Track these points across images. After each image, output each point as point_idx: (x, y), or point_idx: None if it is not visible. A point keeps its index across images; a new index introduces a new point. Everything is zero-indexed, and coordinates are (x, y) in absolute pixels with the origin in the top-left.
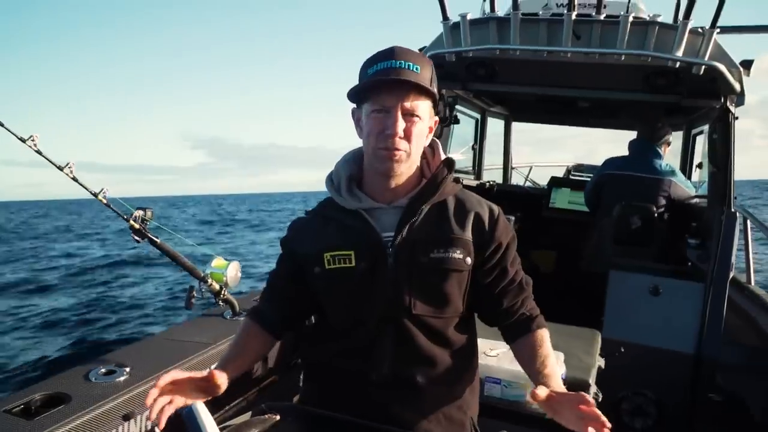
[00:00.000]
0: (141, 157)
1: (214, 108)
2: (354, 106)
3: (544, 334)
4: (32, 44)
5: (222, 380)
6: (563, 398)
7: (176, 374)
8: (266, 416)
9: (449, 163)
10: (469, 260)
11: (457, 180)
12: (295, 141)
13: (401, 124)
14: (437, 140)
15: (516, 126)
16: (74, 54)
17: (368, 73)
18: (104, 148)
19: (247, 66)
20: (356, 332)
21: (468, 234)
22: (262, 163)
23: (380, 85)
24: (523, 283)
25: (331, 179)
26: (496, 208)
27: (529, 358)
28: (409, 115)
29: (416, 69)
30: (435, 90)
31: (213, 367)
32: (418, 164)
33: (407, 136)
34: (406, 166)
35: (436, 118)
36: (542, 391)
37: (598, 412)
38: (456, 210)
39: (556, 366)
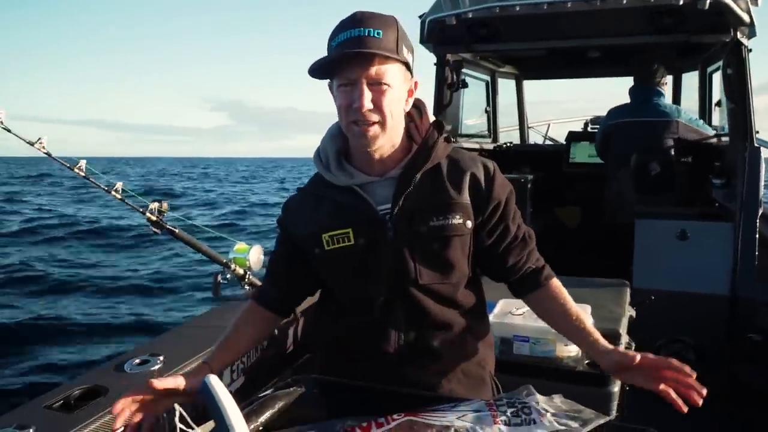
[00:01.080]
0: (161, 117)
1: (236, 71)
2: (329, 80)
3: (558, 285)
4: None
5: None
6: (644, 363)
7: (144, 388)
8: (291, 389)
9: (439, 125)
10: (469, 223)
11: (448, 140)
12: (315, 106)
13: (368, 95)
14: (422, 101)
15: (540, 97)
16: (103, 7)
17: (332, 45)
18: (124, 105)
19: (273, 28)
20: (366, 308)
21: (465, 197)
22: (281, 127)
23: (340, 58)
24: (526, 236)
25: (319, 156)
26: (491, 165)
27: (555, 313)
28: (376, 83)
29: (377, 34)
30: (405, 52)
31: (198, 364)
32: (404, 130)
33: (377, 107)
34: (386, 137)
35: (416, 80)
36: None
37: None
38: (450, 173)
39: (585, 316)
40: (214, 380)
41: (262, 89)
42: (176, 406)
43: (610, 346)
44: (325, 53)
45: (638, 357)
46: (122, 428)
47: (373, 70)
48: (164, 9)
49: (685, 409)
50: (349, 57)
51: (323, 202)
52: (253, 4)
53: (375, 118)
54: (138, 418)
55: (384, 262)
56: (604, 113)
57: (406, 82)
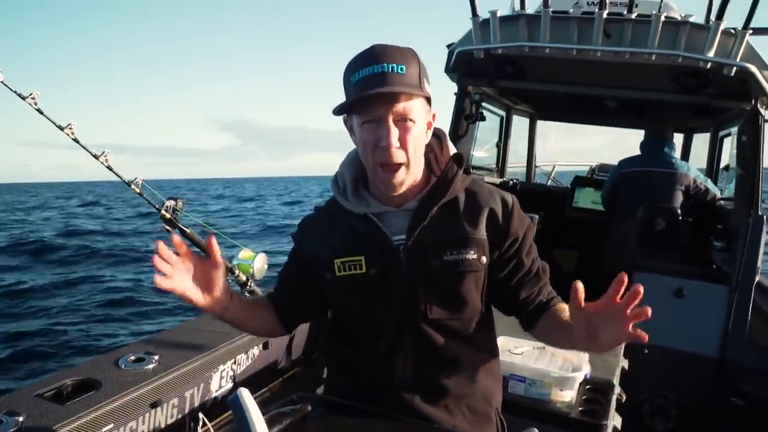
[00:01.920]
0: (168, 139)
1: (243, 89)
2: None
3: (563, 305)
4: (73, 17)
5: (221, 282)
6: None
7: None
8: (297, 406)
9: (458, 158)
10: (484, 259)
11: (467, 171)
12: (324, 125)
13: (395, 133)
14: (444, 131)
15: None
16: (105, 32)
17: (351, 81)
18: (131, 129)
19: (278, 48)
20: (374, 338)
21: (482, 232)
22: (289, 146)
23: (365, 99)
24: (540, 271)
25: (336, 182)
26: (509, 199)
27: (557, 324)
28: (401, 120)
29: (401, 70)
30: (426, 86)
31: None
32: (423, 163)
33: (403, 144)
34: (410, 177)
35: (434, 112)
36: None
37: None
38: (467, 207)
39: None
40: (245, 394)
41: (267, 108)
42: (200, 415)
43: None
44: (335, 73)
45: (591, 306)
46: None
47: (400, 108)
48: (167, 31)
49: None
50: (374, 97)
51: (338, 226)
52: (253, 23)
53: (401, 158)
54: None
55: (395, 293)
56: (609, 161)
57: (427, 115)
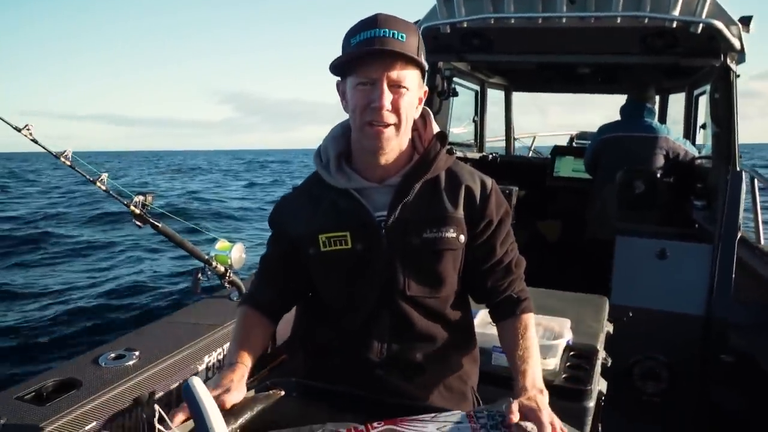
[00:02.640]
0: (169, 111)
1: (244, 62)
2: (338, 79)
3: (528, 321)
4: None
5: (241, 384)
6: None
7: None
8: (271, 392)
9: (442, 137)
10: (462, 238)
11: (450, 151)
12: (323, 97)
13: (388, 96)
14: (429, 110)
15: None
16: (105, 4)
17: (351, 43)
18: (131, 100)
19: (280, 21)
20: (352, 314)
21: (460, 211)
22: (289, 118)
23: (364, 56)
24: (512, 264)
25: (320, 156)
26: (489, 182)
27: (511, 344)
28: (396, 86)
29: (401, 37)
30: (423, 59)
31: (226, 371)
32: (409, 138)
33: (395, 109)
34: (396, 141)
35: (426, 88)
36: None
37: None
38: (448, 185)
39: (536, 357)
40: (197, 382)
41: (266, 81)
42: (156, 406)
43: (526, 393)
44: (335, 47)
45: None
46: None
47: (395, 72)
48: (165, 3)
49: None
50: (374, 55)
51: (321, 202)
52: None
53: (392, 119)
54: None
55: (376, 270)
56: (589, 129)
57: (420, 89)
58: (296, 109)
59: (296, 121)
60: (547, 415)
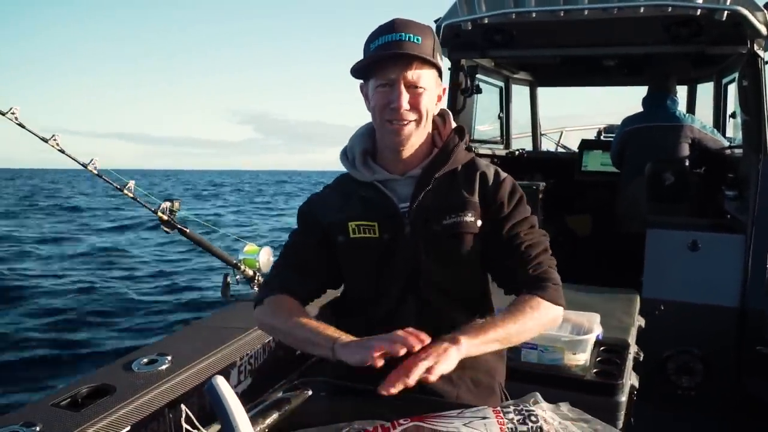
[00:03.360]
0: (191, 130)
1: (264, 83)
2: (361, 81)
3: (532, 302)
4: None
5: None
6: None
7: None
8: (298, 391)
9: (460, 130)
10: (479, 222)
11: (469, 149)
12: (344, 119)
13: (406, 97)
14: (448, 110)
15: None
16: (128, 20)
17: (371, 48)
18: (151, 118)
19: (297, 39)
20: (378, 303)
21: (475, 196)
22: (309, 141)
23: (382, 59)
24: (530, 247)
25: (345, 154)
26: (503, 173)
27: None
28: (413, 87)
29: (417, 40)
30: (439, 59)
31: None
32: (429, 134)
33: (414, 107)
34: (416, 136)
35: (444, 86)
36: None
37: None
38: (464, 175)
39: (500, 326)
40: (220, 381)
41: (287, 101)
42: (182, 406)
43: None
44: (356, 58)
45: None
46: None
47: (411, 73)
48: (186, 20)
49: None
50: (391, 58)
51: (351, 197)
52: (274, 13)
53: (411, 117)
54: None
55: (401, 258)
56: (617, 122)
57: (437, 88)
58: (316, 131)
59: (317, 143)
60: (430, 357)
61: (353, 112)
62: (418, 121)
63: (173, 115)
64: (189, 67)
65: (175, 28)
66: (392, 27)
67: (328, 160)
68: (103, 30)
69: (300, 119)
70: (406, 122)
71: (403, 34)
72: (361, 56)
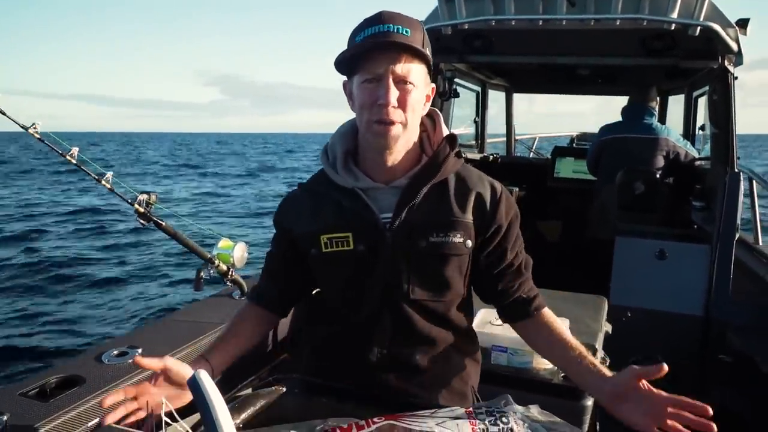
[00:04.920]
0: (154, 92)
1: (230, 45)
2: (345, 78)
3: (548, 316)
4: None
5: (184, 366)
6: (645, 393)
7: (144, 386)
8: (272, 388)
9: (452, 139)
10: (469, 243)
11: (459, 155)
12: (314, 81)
13: (394, 93)
14: (438, 111)
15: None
16: None
17: (356, 41)
18: (115, 81)
19: (268, 5)
20: (354, 315)
21: (468, 216)
22: (278, 102)
23: (368, 51)
24: (522, 266)
25: (326, 153)
26: (498, 186)
27: (551, 346)
28: (402, 82)
29: (406, 32)
30: (429, 53)
31: (196, 358)
32: (417, 138)
33: (402, 105)
34: (404, 140)
35: (433, 86)
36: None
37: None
38: (456, 190)
39: (581, 346)
40: (203, 375)
41: (254, 64)
42: (163, 399)
43: (607, 373)
44: (337, 30)
45: (636, 383)
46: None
47: (400, 67)
48: None
49: None
50: (378, 49)
51: (325, 201)
52: None
53: (398, 117)
54: (129, 410)
55: (379, 272)
56: (590, 130)
57: (426, 86)
58: (285, 93)
59: (286, 104)
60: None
61: (321, 75)
62: (405, 123)
63: (137, 79)
64: (155, 29)
65: None
66: (379, 18)
67: (298, 122)
68: None
69: (268, 81)
70: (392, 122)
71: (391, 25)
72: (339, 31)
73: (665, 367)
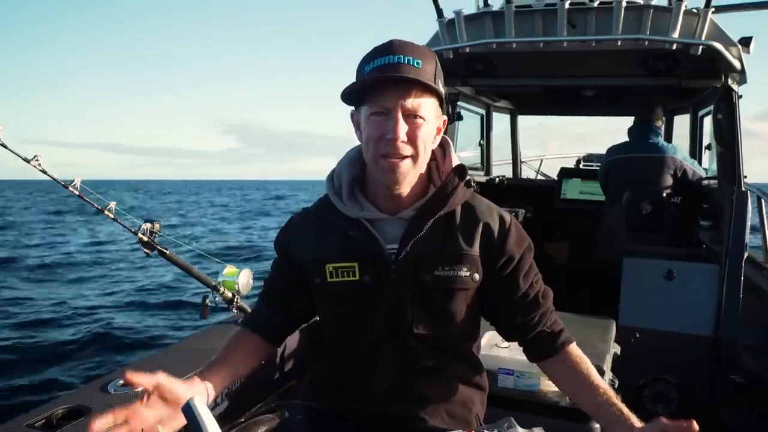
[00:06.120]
0: (169, 140)
1: (246, 93)
2: (353, 108)
3: (575, 353)
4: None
5: (179, 385)
6: None
7: (135, 408)
8: (274, 414)
9: (461, 170)
10: (477, 276)
11: (468, 184)
12: (325, 129)
13: (403, 127)
14: (449, 140)
15: (543, 120)
16: (106, 29)
17: (365, 71)
18: (131, 128)
19: (280, 50)
20: (356, 347)
21: (476, 248)
22: (291, 150)
23: (377, 83)
24: (539, 297)
25: (332, 180)
26: (507, 217)
27: (578, 387)
28: (411, 116)
29: (417, 64)
30: (441, 86)
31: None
32: (426, 168)
33: (411, 140)
34: (413, 174)
35: (444, 118)
36: None
37: None
38: (464, 221)
39: (609, 388)
40: (198, 401)
41: (269, 111)
42: (159, 427)
43: (636, 422)
44: (349, 77)
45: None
46: None
47: (410, 101)
48: (169, 29)
49: None
50: (387, 82)
51: (330, 229)
52: (258, 22)
53: (407, 151)
54: None
55: (383, 304)
56: (597, 151)
57: (438, 119)
58: (298, 141)
59: (299, 153)
60: None
61: (332, 123)
62: (415, 158)
63: (155, 127)
64: (170, 79)
65: (147, 39)
66: (390, 48)
67: (309, 169)
68: (87, 43)
69: (283, 129)
70: (401, 157)
71: (401, 56)
72: (352, 78)
73: (695, 425)
